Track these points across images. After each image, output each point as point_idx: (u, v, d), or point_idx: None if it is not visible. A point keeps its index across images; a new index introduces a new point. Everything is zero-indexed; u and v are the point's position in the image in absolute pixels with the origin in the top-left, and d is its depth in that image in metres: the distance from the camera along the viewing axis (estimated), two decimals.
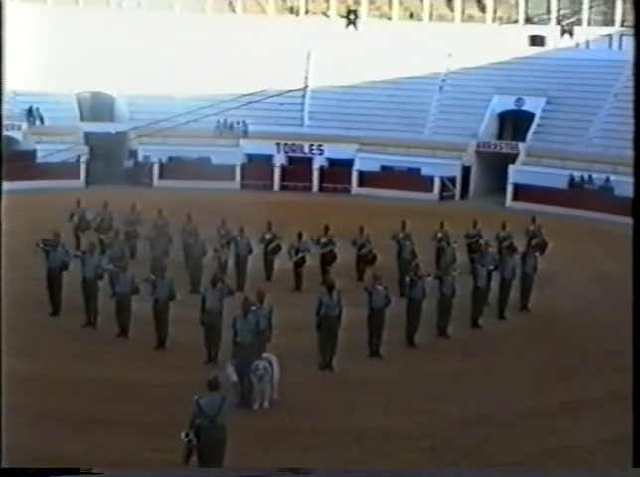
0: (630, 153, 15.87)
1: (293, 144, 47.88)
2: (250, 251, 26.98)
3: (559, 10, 50.34)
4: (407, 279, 22.46)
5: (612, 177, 41.78)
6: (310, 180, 46.96)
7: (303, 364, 19.21)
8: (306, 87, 48.83)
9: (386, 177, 46.04)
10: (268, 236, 27.49)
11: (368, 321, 20.84)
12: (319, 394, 18.07)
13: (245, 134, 47.64)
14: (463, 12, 52.55)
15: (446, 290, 22.44)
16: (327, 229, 27.44)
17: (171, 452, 14.40)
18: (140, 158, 46.76)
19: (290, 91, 38.43)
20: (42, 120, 46.27)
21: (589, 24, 49.97)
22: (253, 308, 18.19)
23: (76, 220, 29.65)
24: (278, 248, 27.43)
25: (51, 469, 11.71)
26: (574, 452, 15.34)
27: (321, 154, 47.67)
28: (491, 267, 24.46)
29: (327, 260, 27.03)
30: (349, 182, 46.68)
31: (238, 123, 47.15)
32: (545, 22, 50.14)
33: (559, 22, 49.96)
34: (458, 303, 22.73)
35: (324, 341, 19.84)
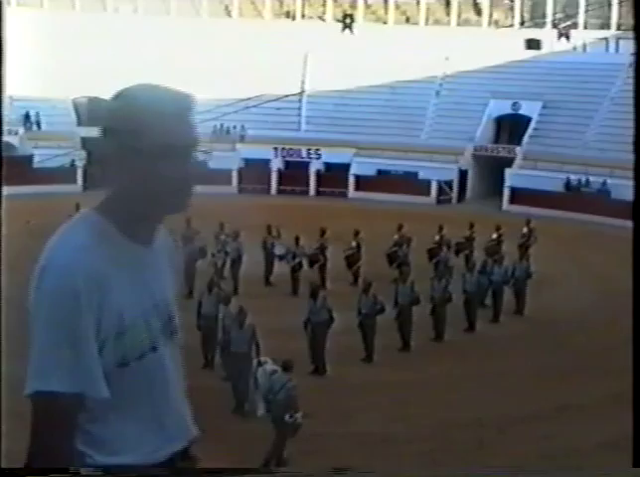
0: (627, 156, 15.94)
1: (290, 148, 47.93)
2: (240, 256, 26.92)
3: (555, 14, 50.43)
4: (396, 285, 22.45)
5: (609, 180, 41.85)
6: (307, 184, 47.03)
7: (298, 368, 19.18)
8: (303, 92, 48.84)
9: (382, 181, 46.10)
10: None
11: (359, 326, 20.83)
12: (315, 398, 18.06)
13: (242, 139, 47.68)
14: (459, 16, 52.68)
15: (437, 295, 22.52)
16: (323, 233, 27.46)
17: None
18: None
19: (287, 96, 38.45)
20: (39, 125, 46.30)
21: (585, 27, 50.10)
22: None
23: None
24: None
25: (47, 469, 11.65)
26: (572, 455, 15.35)
27: (318, 158, 47.72)
28: (479, 271, 24.57)
29: (314, 263, 27.03)
30: (346, 186, 46.75)
31: (234, 128, 47.18)
32: (541, 26, 50.21)
33: (555, 26, 50.05)
34: (454, 307, 22.77)
35: (312, 347, 19.77)
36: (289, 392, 14.84)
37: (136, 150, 2.70)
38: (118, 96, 2.78)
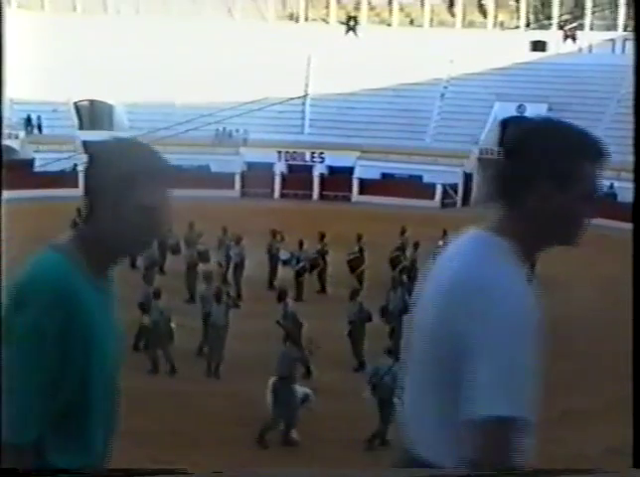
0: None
1: (294, 152, 47.72)
2: (242, 261, 26.75)
3: (560, 15, 50.25)
4: (387, 292, 22.36)
5: (616, 183, 41.53)
6: (310, 188, 46.80)
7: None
8: (306, 95, 48.66)
9: (387, 184, 45.84)
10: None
11: (348, 334, 20.66)
12: (317, 404, 17.80)
13: (245, 142, 47.45)
14: (464, 18, 52.49)
15: None
16: (323, 237, 27.26)
17: (172, 463, 14.18)
18: None
19: (290, 99, 38.31)
20: (40, 129, 46.11)
21: (592, 29, 49.91)
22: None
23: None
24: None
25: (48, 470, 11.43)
26: (576, 460, 15.12)
27: (322, 162, 47.52)
28: None
29: (313, 268, 26.80)
30: (349, 190, 46.51)
31: (237, 131, 46.96)
32: (547, 27, 50.04)
33: (560, 27, 49.88)
34: None
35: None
36: (395, 375, 14.98)
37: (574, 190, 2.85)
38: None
